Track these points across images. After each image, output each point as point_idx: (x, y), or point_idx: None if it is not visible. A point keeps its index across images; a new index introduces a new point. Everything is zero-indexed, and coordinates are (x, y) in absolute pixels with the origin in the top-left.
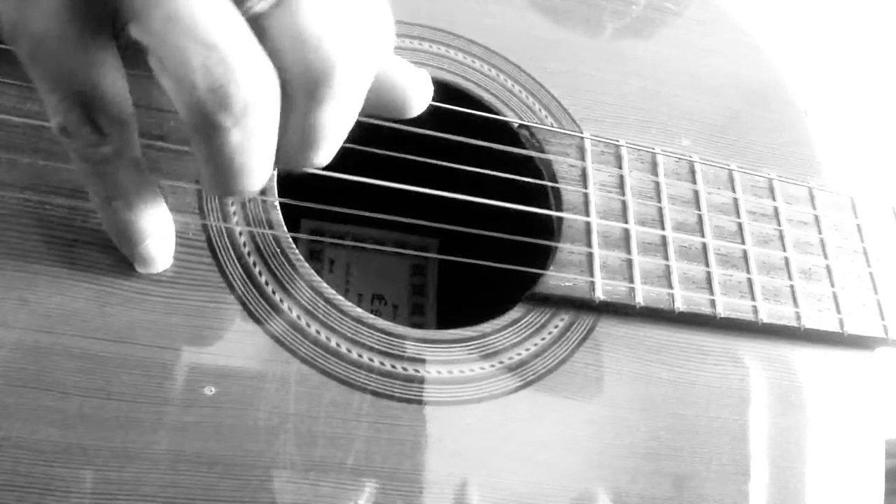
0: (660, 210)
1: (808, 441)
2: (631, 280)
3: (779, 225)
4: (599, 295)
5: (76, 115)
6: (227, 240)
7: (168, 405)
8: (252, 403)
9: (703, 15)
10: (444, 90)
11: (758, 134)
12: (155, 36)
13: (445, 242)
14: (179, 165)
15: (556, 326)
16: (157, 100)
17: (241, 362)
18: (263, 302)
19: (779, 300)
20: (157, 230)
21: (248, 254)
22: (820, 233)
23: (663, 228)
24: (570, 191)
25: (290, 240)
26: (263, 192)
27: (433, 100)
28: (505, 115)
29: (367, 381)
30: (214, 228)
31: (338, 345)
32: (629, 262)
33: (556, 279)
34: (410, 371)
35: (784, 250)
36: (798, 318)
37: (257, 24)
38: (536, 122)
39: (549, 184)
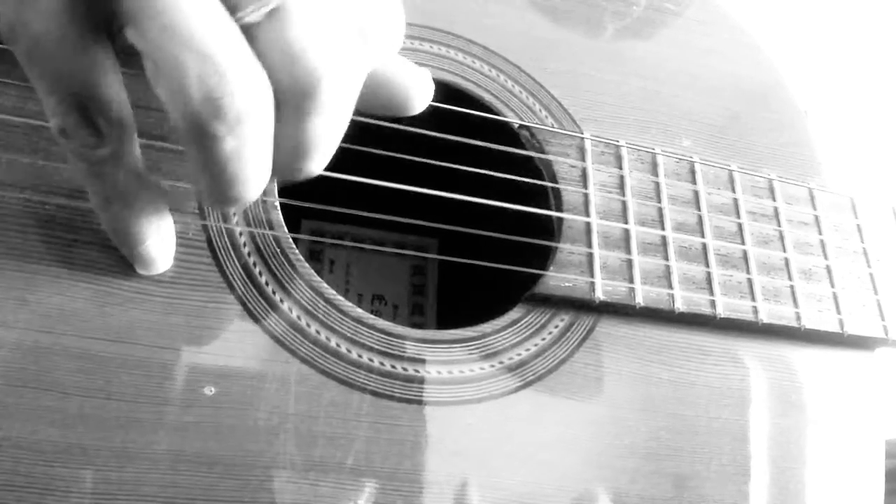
0: (660, 210)
1: (809, 441)
2: (631, 280)
3: (779, 225)
4: (599, 295)
5: (74, 116)
6: (227, 240)
7: (168, 405)
8: (252, 403)
9: (703, 15)
10: (444, 90)
11: (758, 134)
12: (151, 43)
13: (445, 243)
14: (179, 166)
15: (556, 327)
16: (157, 100)
17: (241, 362)
18: (263, 302)
19: (779, 300)
20: (157, 231)
21: (249, 254)
22: (820, 233)
23: (663, 229)
24: (570, 191)
25: (291, 240)
26: (264, 192)
27: (433, 100)
28: (505, 116)
29: (366, 382)
30: (214, 229)
31: (338, 345)
32: (629, 263)
33: (557, 279)
34: (410, 371)
35: (784, 251)
36: (798, 318)
37: (248, 33)
38: (537, 123)
39: (550, 184)
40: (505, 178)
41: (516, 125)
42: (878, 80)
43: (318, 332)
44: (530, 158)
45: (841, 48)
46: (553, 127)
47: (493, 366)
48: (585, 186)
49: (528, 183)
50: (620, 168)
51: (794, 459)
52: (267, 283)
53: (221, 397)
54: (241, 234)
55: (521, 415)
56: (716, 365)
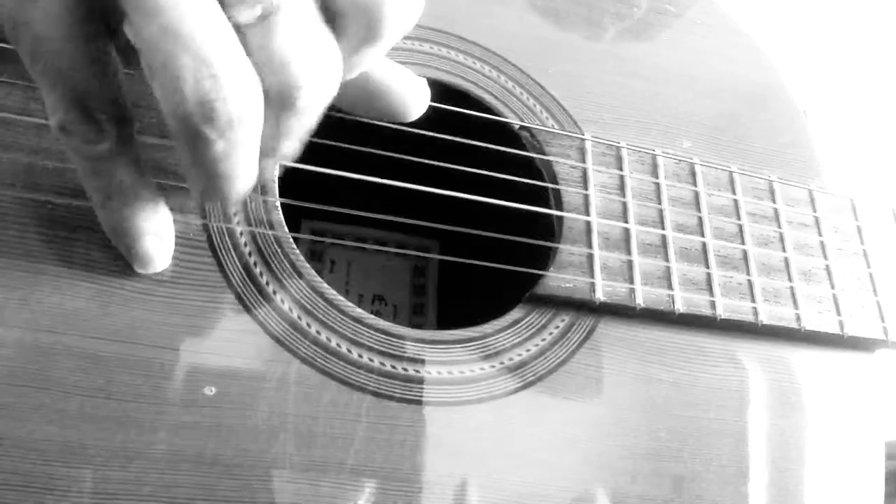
0: (660, 211)
1: (808, 443)
2: (631, 281)
3: (779, 227)
4: (600, 296)
5: (75, 113)
6: (227, 240)
7: (168, 405)
8: (252, 403)
9: (704, 17)
10: (445, 91)
11: (758, 135)
12: (148, 42)
13: (446, 243)
14: (180, 165)
15: (556, 327)
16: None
17: (241, 362)
18: (264, 302)
19: (779, 302)
20: (155, 229)
21: (249, 254)
22: (820, 235)
23: (664, 230)
24: (570, 192)
25: (291, 240)
26: (264, 192)
27: (434, 101)
28: (506, 117)
29: (366, 382)
30: (215, 228)
31: (338, 345)
32: (629, 264)
33: (557, 280)
34: (410, 371)
35: (784, 252)
36: (798, 319)
37: (239, 32)
38: (537, 124)
39: (550, 185)
40: (505, 179)
41: (517, 126)
42: (878, 81)
43: (318, 332)
44: (531, 159)
45: (841, 48)
46: (554, 128)
47: (493, 366)
48: (586, 187)
49: (528, 184)
50: (621, 169)
51: (793, 461)
52: (267, 283)
53: (221, 397)
54: (241, 233)
55: (522, 415)
56: (716, 366)
